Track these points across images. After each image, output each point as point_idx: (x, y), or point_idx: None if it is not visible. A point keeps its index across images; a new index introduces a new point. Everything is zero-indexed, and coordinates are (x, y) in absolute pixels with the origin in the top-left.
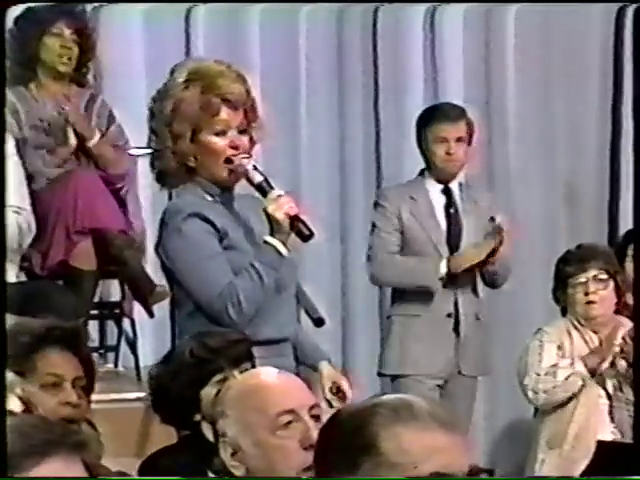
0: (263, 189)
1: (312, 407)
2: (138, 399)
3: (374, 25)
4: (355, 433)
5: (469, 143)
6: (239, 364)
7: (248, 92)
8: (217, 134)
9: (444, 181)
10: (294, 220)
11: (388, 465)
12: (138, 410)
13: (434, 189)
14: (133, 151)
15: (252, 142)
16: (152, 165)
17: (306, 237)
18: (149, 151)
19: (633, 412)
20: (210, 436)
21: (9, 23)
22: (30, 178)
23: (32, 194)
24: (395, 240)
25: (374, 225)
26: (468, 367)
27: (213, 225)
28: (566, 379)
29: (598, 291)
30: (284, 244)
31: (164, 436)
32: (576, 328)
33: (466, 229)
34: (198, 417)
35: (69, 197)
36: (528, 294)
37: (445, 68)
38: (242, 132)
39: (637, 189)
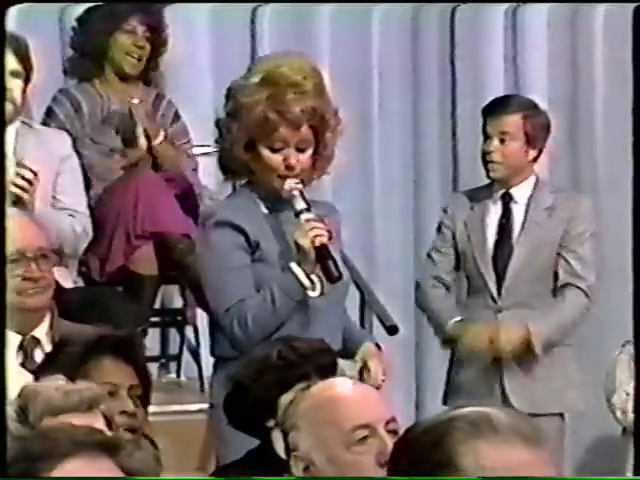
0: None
1: (389, 421)
2: (201, 411)
3: (451, 26)
4: (431, 449)
5: (530, 142)
6: (326, 374)
7: (314, 109)
8: (273, 150)
9: (503, 184)
10: (320, 251)
11: None
12: (201, 422)
13: (496, 195)
14: (195, 150)
15: (315, 156)
16: (219, 158)
17: (332, 277)
18: (209, 150)
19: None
20: (279, 447)
21: (77, 14)
22: (88, 179)
23: (90, 196)
24: (445, 260)
25: (433, 241)
26: (521, 402)
27: (245, 234)
28: None
29: None
30: (308, 275)
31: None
32: None
33: (518, 247)
34: (271, 423)
35: (129, 199)
36: (618, 306)
37: (528, 71)
38: (301, 150)
39: (637, 189)
